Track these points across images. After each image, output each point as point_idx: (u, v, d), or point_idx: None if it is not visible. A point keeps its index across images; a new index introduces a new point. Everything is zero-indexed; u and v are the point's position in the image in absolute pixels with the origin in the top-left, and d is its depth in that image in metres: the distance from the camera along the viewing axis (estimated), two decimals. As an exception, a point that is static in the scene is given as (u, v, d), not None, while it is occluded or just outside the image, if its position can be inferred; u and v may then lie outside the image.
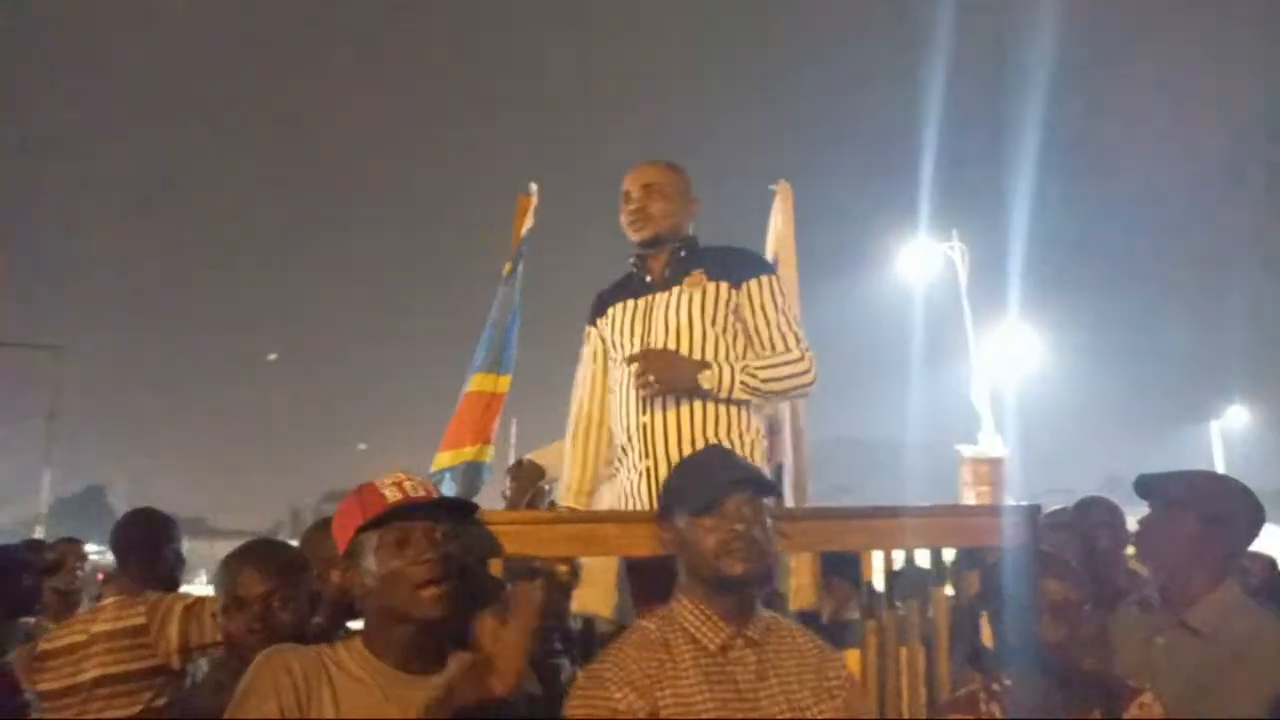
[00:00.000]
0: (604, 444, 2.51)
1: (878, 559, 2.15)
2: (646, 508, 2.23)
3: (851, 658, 1.95)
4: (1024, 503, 2.11)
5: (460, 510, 1.63)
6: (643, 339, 2.36)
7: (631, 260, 2.50)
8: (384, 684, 1.46)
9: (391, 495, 1.50)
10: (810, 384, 2.35)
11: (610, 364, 2.48)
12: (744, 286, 2.37)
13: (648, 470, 2.29)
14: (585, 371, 2.56)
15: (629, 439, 2.35)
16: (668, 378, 2.24)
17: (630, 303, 2.44)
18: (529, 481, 3.16)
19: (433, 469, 3.58)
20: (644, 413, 2.30)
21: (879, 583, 2.14)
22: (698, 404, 2.27)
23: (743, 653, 1.55)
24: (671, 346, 2.30)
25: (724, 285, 2.36)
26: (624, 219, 2.46)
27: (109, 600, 2.31)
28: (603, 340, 2.51)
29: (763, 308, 2.36)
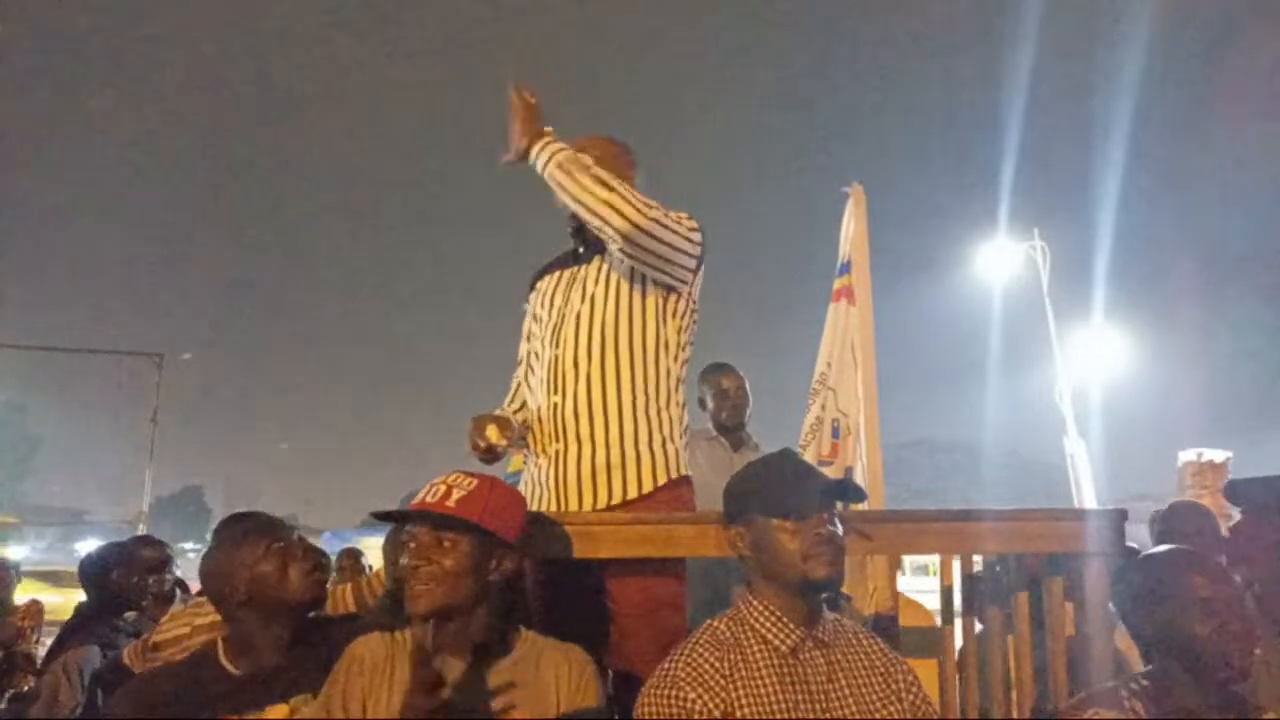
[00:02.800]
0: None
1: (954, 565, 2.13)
2: (554, 496, 2.11)
3: (928, 666, 1.94)
4: (1109, 507, 2.06)
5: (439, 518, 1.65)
6: (560, 311, 2.21)
7: (570, 230, 2.32)
8: (440, 669, 1.53)
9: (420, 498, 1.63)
10: (613, 230, 2.02)
11: (533, 344, 2.33)
12: None
13: (557, 454, 2.13)
14: (522, 349, 2.43)
15: (539, 422, 2.19)
16: (529, 112, 2.12)
17: (558, 274, 2.31)
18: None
19: (509, 470, 3.65)
20: (555, 392, 2.15)
21: (958, 588, 2.12)
22: (610, 382, 2.12)
23: (813, 654, 1.56)
24: (586, 319, 2.16)
25: None
26: None
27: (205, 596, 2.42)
28: (533, 317, 2.36)
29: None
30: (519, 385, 2.39)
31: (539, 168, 2.10)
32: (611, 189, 2.03)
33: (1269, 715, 1.70)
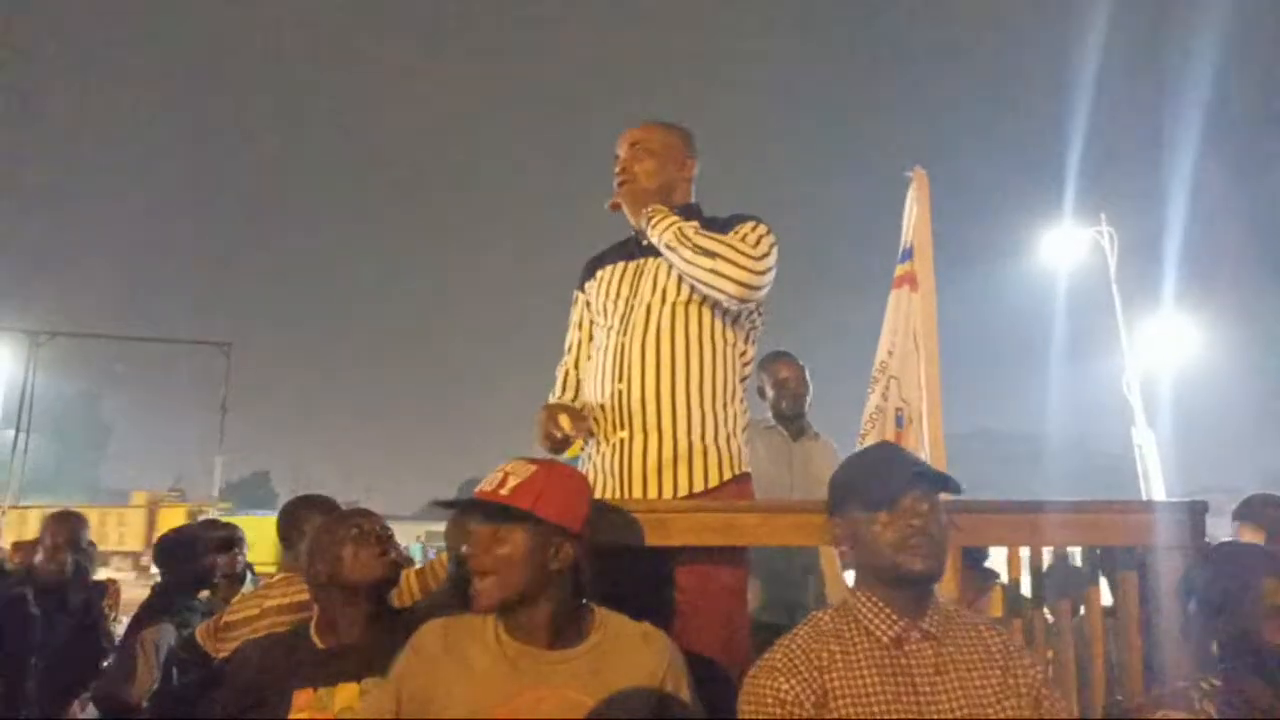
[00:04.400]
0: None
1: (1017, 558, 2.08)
2: (619, 484, 2.10)
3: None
4: (1185, 499, 2.00)
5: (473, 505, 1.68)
6: (628, 301, 2.21)
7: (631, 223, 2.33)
8: (513, 657, 1.54)
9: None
10: (749, 280, 2.08)
11: (595, 331, 2.32)
12: (728, 230, 2.17)
13: (622, 442, 2.12)
14: (571, 337, 2.43)
15: (602, 409, 2.18)
16: (634, 194, 2.23)
17: (621, 264, 2.29)
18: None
19: (566, 456, 3.67)
20: (619, 379, 2.14)
21: (1026, 580, 2.08)
22: (680, 372, 2.12)
23: (919, 645, 1.52)
24: (656, 309, 2.17)
25: None
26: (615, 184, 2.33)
27: (278, 577, 2.49)
28: (589, 306, 2.36)
29: (744, 235, 2.15)
30: (567, 374, 2.40)
31: (653, 234, 2.19)
32: (715, 256, 2.08)
33: None
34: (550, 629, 1.57)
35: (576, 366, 2.38)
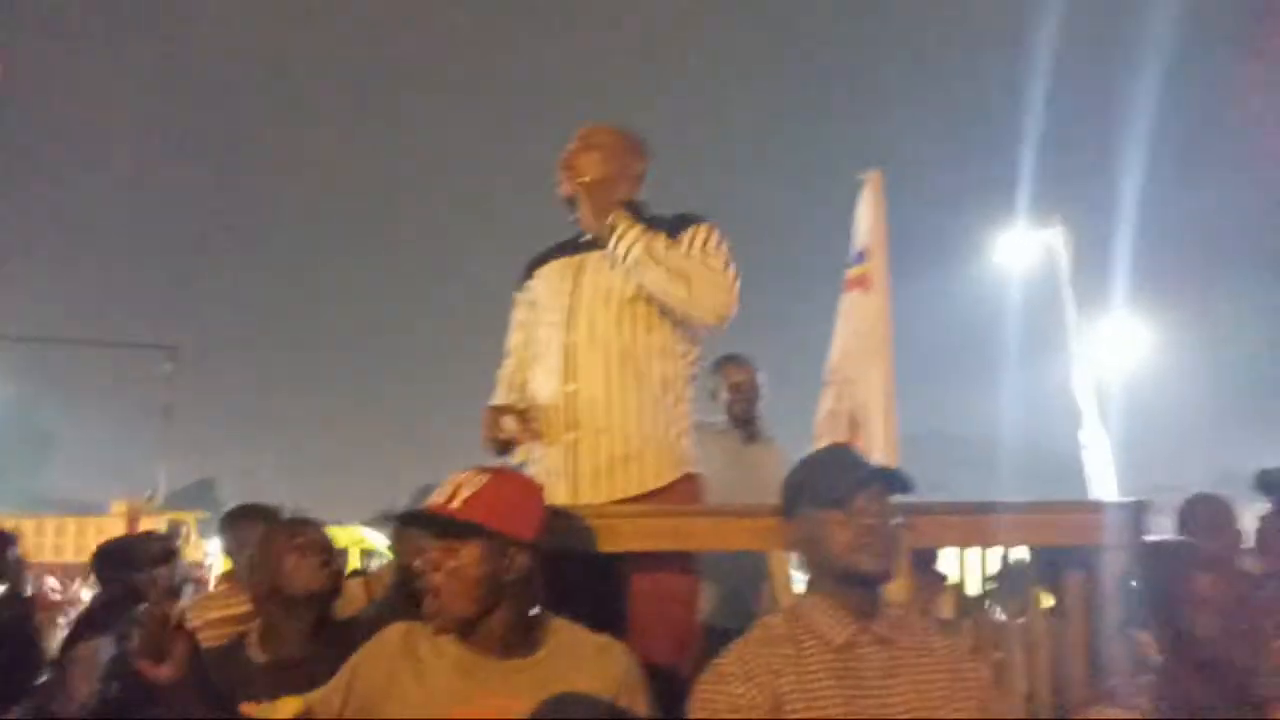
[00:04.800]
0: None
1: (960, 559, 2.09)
2: (569, 484, 2.08)
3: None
4: (1129, 499, 2.02)
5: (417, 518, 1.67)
6: (572, 298, 2.18)
7: (572, 219, 2.33)
8: (466, 665, 1.54)
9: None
10: (722, 310, 2.11)
11: (537, 328, 2.29)
12: (681, 236, 2.16)
13: (571, 443, 2.10)
14: (513, 339, 2.40)
15: (550, 410, 2.15)
16: (596, 192, 2.15)
17: (563, 260, 2.27)
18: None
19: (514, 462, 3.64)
20: (569, 380, 2.12)
21: (971, 581, 2.09)
22: (629, 372, 2.10)
23: (869, 649, 1.53)
24: (601, 308, 2.14)
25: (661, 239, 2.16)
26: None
27: (219, 588, 2.43)
28: (531, 304, 2.33)
29: (703, 245, 2.16)
30: (509, 376, 2.36)
31: (616, 258, 2.12)
32: (689, 282, 2.07)
33: None
34: (504, 639, 1.56)
35: (518, 368, 2.35)
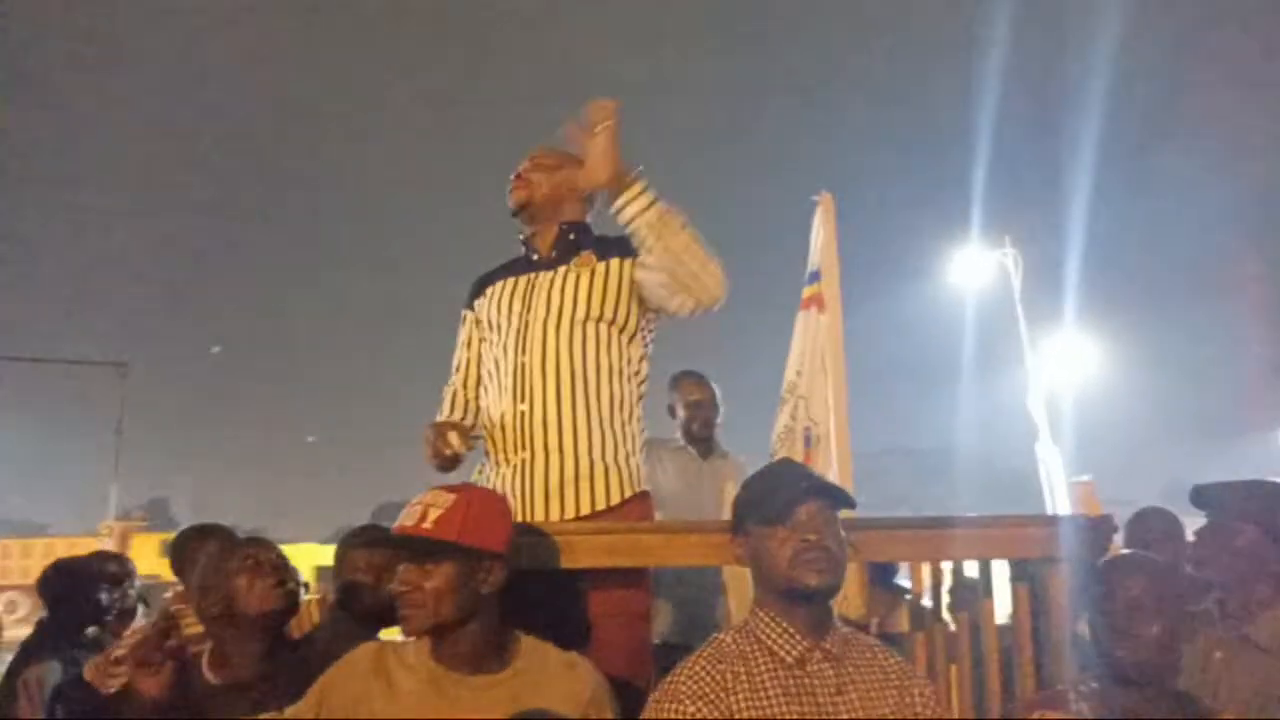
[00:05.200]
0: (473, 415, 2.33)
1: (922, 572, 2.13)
2: (521, 504, 2.07)
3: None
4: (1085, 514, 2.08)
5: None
6: (522, 318, 2.16)
7: (520, 239, 2.33)
8: (437, 681, 1.55)
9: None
10: (708, 297, 2.08)
11: (485, 348, 2.28)
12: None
13: (523, 463, 2.09)
14: (459, 357, 2.38)
15: (502, 430, 2.14)
16: (596, 166, 2.04)
17: (512, 280, 2.25)
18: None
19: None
20: (522, 400, 2.11)
21: (927, 594, 2.13)
22: (579, 392, 2.10)
23: (820, 666, 1.53)
24: (553, 328, 2.12)
25: (616, 260, 2.17)
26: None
27: (172, 610, 2.39)
28: (479, 323, 2.32)
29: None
30: (455, 394, 2.35)
31: (625, 216, 2.04)
32: (710, 256, 2.05)
33: (1225, 716, 1.72)
34: (475, 654, 1.58)
35: (464, 386, 2.35)
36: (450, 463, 2.09)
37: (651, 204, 2.03)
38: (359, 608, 2.18)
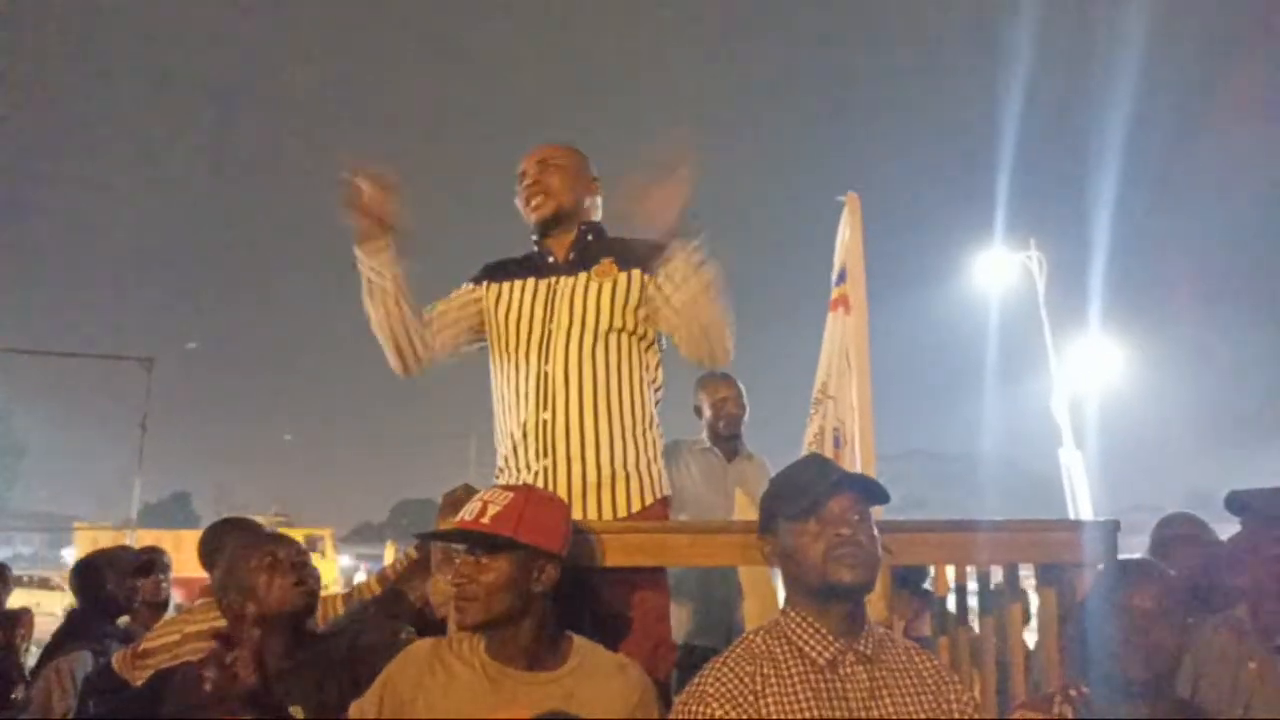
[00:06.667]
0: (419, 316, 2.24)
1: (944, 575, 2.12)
2: None
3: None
4: (1104, 518, 2.06)
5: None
6: (544, 325, 2.15)
7: (534, 240, 2.30)
8: (493, 676, 1.58)
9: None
10: (709, 361, 2.16)
11: (502, 349, 2.23)
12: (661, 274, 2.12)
13: (545, 470, 2.09)
14: (439, 305, 2.30)
15: (522, 436, 2.13)
16: (661, 211, 1.98)
17: (531, 282, 2.22)
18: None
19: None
20: (545, 409, 2.11)
21: (952, 598, 2.12)
22: (602, 401, 2.11)
23: (854, 669, 1.48)
24: (577, 336, 2.12)
25: (637, 273, 2.16)
26: (521, 199, 2.27)
27: (199, 603, 2.42)
28: (494, 317, 2.26)
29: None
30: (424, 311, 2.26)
31: (671, 268, 2.05)
32: (729, 334, 2.12)
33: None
34: (530, 651, 1.61)
35: (433, 314, 2.27)
36: (370, 220, 2.07)
37: (699, 267, 2.03)
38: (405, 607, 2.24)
